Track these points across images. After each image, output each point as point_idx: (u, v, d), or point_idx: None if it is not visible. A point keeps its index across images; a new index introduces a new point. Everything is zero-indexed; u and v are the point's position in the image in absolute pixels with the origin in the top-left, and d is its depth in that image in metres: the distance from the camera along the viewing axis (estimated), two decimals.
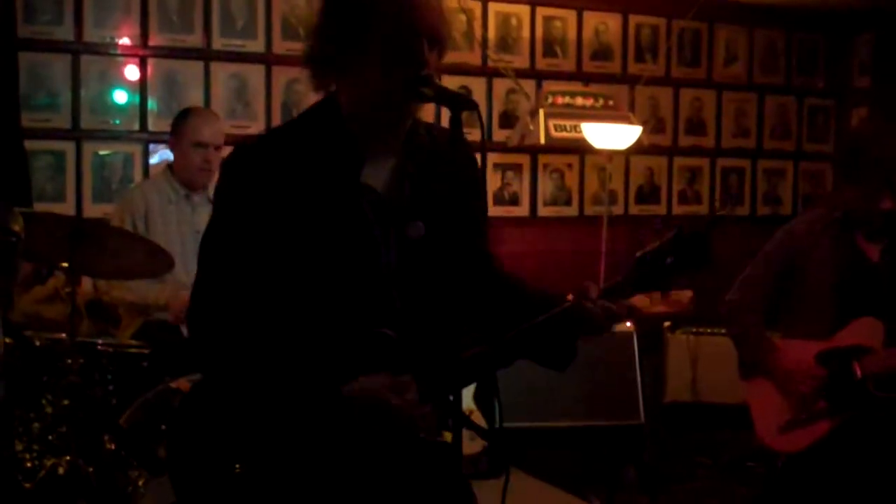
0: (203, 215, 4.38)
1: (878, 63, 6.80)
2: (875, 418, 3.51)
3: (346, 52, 2.09)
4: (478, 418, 4.92)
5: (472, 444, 4.71)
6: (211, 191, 4.45)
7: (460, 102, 2.03)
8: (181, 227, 4.36)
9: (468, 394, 4.94)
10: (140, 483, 3.50)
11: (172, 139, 4.47)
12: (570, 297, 2.16)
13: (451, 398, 2.05)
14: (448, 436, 2.09)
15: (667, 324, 5.30)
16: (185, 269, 4.27)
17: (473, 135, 2.17)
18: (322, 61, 2.13)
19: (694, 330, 5.24)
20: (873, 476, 3.54)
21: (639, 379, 5.09)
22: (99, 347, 3.88)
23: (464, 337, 2.15)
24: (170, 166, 4.52)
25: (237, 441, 2.11)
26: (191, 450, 2.19)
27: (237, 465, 2.10)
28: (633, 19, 6.61)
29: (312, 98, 2.21)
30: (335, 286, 2.07)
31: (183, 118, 4.48)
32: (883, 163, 3.47)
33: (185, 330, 4.22)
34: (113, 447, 3.66)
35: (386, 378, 2.03)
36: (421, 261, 2.13)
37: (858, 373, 3.53)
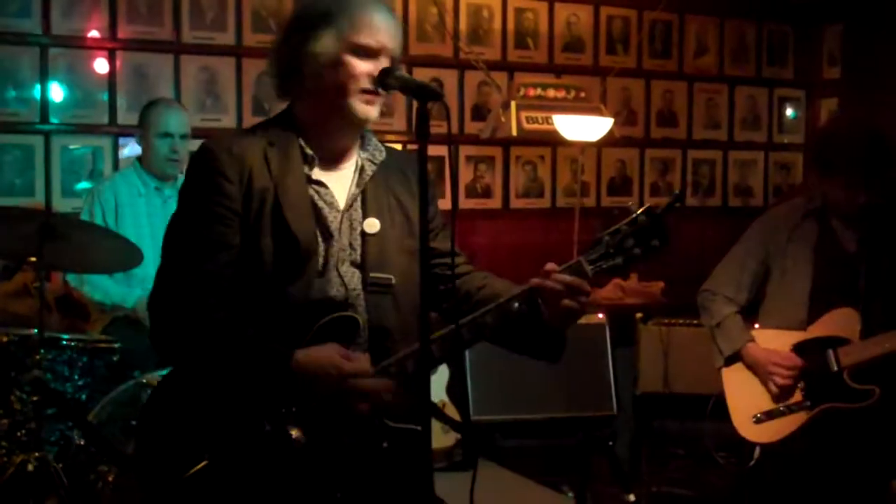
0: (173, 207, 4.34)
1: (846, 54, 6.84)
2: (851, 409, 3.52)
3: (299, 61, 2.25)
4: (451, 411, 4.92)
5: (445, 437, 4.71)
6: (181, 182, 4.43)
7: (426, 92, 2.06)
8: (151, 220, 4.34)
9: (441, 386, 4.94)
10: (109, 479, 3.48)
11: (140, 132, 4.46)
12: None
13: (421, 383, 2.11)
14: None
15: (639, 315, 5.31)
16: (156, 263, 4.22)
17: (442, 126, 2.18)
18: (283, 73, 2.30)
19: (666, 321, 5.25)
20: (849, 468, 3.56)
21: (611, 370, 5.10)
22: (68, 343, 3.85)
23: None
24: (139, 159, 4.50)
25: (202, 431, 2.16)
26: (158, 444, 2.23)
27: (202, 457, 2.14)
28: (605, 11, 6.61)
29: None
30: (288, 275, 2.18)
31: (148, 110, 4.48)
32: (858, 158, 3.48)
33: None
34: (82, 443, 3.64)
35: (336, 347, 2.12)
36: (375, 254, 2.27)
37: (835, 364, 3.54)
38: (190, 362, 2.21)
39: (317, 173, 2.28)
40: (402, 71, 2.28)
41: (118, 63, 5.40)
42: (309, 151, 2.27)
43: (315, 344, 2.13)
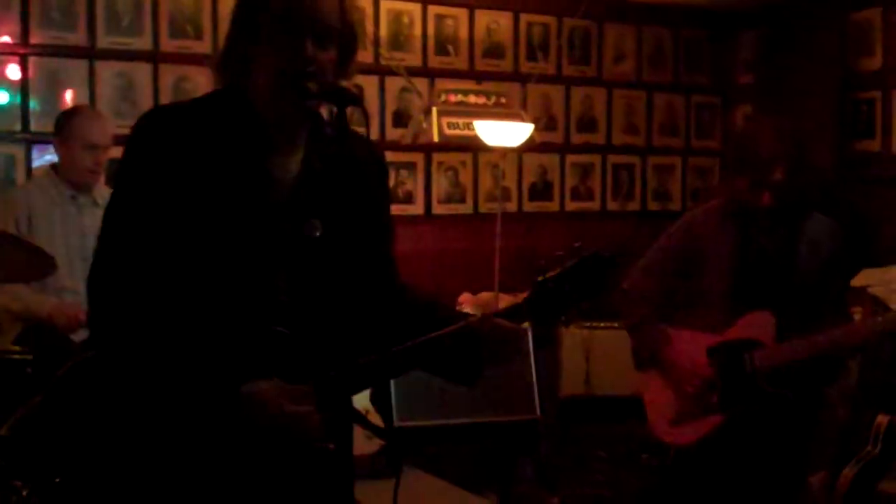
0: (88, 217, 4.27)
1: (760, 60, 6.97)
2: (764, 413, 3.55)
3: (245, 51, 2.09)
4: (374, 418, 4.89)
5: (369, 444, 4.69)
6: (97, 192, 4.35)
7: (345, 98, 2.03)
8: (66, 228, 4.24)
9: (364, 394, 4.91)
10: (24, 494, 3.39)
11: (59, 139, 4.35)
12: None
13: (342, 403, 2.06)
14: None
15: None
16: (70, 273, 4.16)
17: (361, 131, 2.16)
18: (228, 64, 2.12)
19: (587, 324, 5.31)
20: (760, 470, 3.60)
21: (534, 374, 5.12)
22: None
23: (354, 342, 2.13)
24: (54, 167, 4.41)
25: (120, 423, 2.07)
26: (74, 428, 2.15)
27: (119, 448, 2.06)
28: (525, 18, 6.66)
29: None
30: (222, 266, 2.04)
31: (70, 118, 4.37)
32: (761, 160, 3.51)
33: (74, 338, 4.11)
34: None
35: (281, 385, 2.01)
36: (315, 259, 2.11)
37: (748, 367, 3.57)
38: (127, 352, 2.07)
39: (270, 160, 2.08)
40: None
41: (31, 69, 5.29)
42: (263, 134, 2.08)
43: (247, 352, 2.03)
